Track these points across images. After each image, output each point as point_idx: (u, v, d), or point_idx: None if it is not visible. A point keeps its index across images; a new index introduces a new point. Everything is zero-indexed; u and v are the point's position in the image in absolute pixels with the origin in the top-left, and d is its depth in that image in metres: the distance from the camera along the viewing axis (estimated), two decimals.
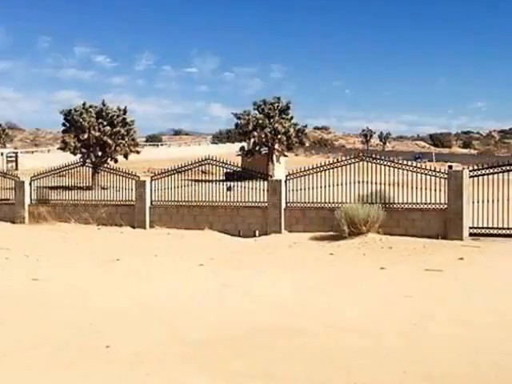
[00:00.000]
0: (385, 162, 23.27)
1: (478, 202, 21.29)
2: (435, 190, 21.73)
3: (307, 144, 63.43)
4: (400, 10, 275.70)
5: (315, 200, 23.76)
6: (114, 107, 49.07)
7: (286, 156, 55.60)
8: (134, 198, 27.48)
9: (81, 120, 46.39)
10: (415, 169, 22.99)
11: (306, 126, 57.08)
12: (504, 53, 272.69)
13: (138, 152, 50.09)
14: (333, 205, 22.84)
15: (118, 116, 48.16)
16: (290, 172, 25.18)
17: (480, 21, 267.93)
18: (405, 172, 22.93)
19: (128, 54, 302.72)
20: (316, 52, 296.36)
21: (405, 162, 23.94)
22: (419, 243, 20.12)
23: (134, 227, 26.92)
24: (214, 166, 28.15)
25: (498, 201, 20.95)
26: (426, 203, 21.89)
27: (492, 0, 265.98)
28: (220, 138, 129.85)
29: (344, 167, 23.78)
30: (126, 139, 48.23)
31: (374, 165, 23.29)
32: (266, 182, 25.35)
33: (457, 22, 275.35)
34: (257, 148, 54.22)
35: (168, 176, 27.49)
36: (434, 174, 22.30)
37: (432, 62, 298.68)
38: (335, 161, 24.87)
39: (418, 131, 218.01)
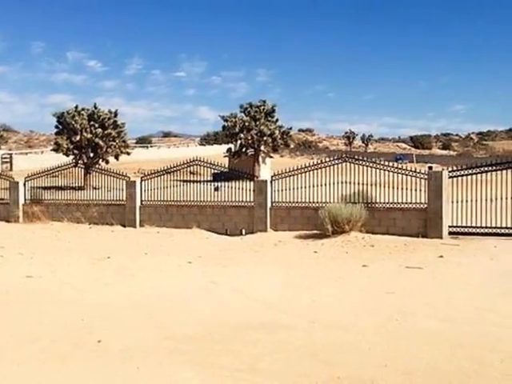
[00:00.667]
0: (367, 163, 23.29)
1: (457, 202, 21.37)
2: (416, 190, 21.77)
3: (292, 146, 63.98)
4: (381, 17, 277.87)
5: (300, 200, 23.79)
6: (105, 110, 49.76)
7: (271, 157, 55.88)
8: (124, 198, 27.49)
9: (73, 122, 46.79)
10: (396, 169, 23.03)
11: (290, 129, 57.43)
12: (482, 58, 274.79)
13: (128, 153, 50.52)
14: (317, 204, 22.87)
15: (109, 119, 48.60)
16: (276, 173, 25.19)
17: (459, 26, 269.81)
18: (386, 173, 22.96)
19: (118, 58, 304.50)
20: (300, 57, 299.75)
21: (386, 163, 23.96)
22: (400, 241, 20.16)
23: (124, 226, 26.89)
24: (201, 167, 28.08)
25: (476, 200, 21.03)
26: (406, 203, 21.93)
27: (471, 6, 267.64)
28: (208, 139, 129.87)
29: (327, 168, 23.80)
30: (117, 141, 48.68)
31: (356, 166, 23.29)
32: (252, 183, 25.35)
33: (436, 28, 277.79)
34: (243, 149, 54.52)
35: (157, 176, 27.50)
36: (414, 174, 22.36)
37: (412, 66, 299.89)
38: (319, 162, 24.84)
39: (399, 133, 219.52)
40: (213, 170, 29.50)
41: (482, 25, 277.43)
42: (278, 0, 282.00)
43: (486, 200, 20.80)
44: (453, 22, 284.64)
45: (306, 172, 24.10)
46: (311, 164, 24.70)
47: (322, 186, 23.26)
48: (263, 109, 55.34)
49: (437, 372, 7.91)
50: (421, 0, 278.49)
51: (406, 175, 22.52)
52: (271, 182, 24.68)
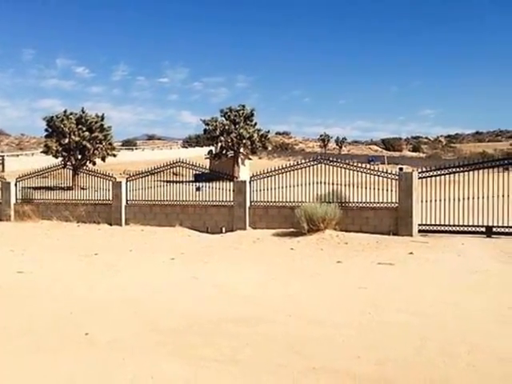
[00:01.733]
0: (341, 165, 23.32)
1: (426, 201, 21.45)
2: (387, 190, 21.84)
3: (270, 148, 64.09)
4: (354, 25, 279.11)
5: (277, 199, 23.80)
6: (92, 114, 49.93)
7: (250, 159, 55.92)
8: (110, 198, 27.46)
9: (62, 126, 47.00)
10: (369, 171, 23.07)
11: (268, 132, 57.56)
12: (450, 65, 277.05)
13: (114, 155, 50.78)
14: (293, 204, 22.87)
15: (96, 122, 48.81)
16: (254, 173, 25.17)
17: (429, 35, 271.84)
18: (359, 173, 23.00)
19: (105, 65, 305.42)
20: (278, 63, 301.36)
21: (359, 165, 24.03)
22: (372, 239, 20.21)
23: (110, 224, 26.82)
24: (184, 168, 28.07)
25: (444, 200, 21.14)
26: (378, 202, 21.99)
27: (440, 16, 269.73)
28: (190, 142, 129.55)
29: (303, 169, 23.82)
30: (104, 143, 48.89)
31: (330, 167, 23.33)
32: (231, 183, 25.33)
33: (407, 36, 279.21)
34: (223, 152, 54.71)
35: (142, 177, 27.43)
36: (385, 175, 22.41)
37: (384, 72, 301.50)
38: (295, 163, 24.86)
39: (371, 136, 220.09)
40: (194, 171, 29.51)
41: (450, 34, 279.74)
42: (256, 10, 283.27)
43: (454, 199, 20.91)
44: (423, 31, 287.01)
45: (283, 173, 24.11)
46: (288, 165, 24.70)
47: (298, 186, 23.28)
48: (242, 113, 55.52)
49: (407, 363, 7.95)
50: (393, 10, 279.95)
51: (378, 176, 22.57)
52: (250, 183, 24.69)
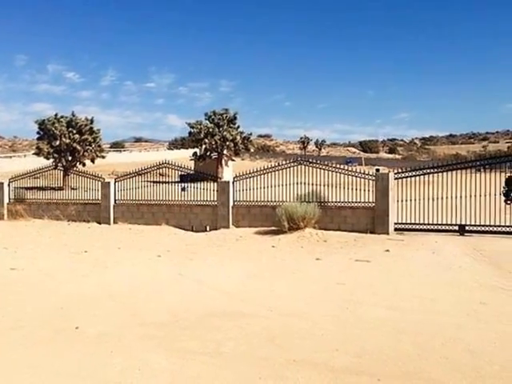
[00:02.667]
0: (320, 166, 23.36)
1: (402, 201, 21.55)
2: (364, 190, 21.90)
3: (252, 150, 64.00)
4: (333, 32, 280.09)
5: (259, 199, 23.80)
6: (82, 118, 50.12)
7: (233, 160, 55.95)
8: (99, 198, 27.33)
9: (53, 129, 47.03)
10: (347, 171, 23.11)
11: (250, 134, 57.61)
12: (425, 70, 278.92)
13: (103, 157, 50.96)
14: (274, 203, 22.87)
15: (85, 125, 48.87)
16: (237, 174, 25.16)
17: (404, 42, 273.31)
18: (338, 174, 23.05)
19: (94, 71, 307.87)
20: (259, 69, 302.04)
21: (338, 166, 24.10)
22: (350, 237, 20.27)
23: (99, 223, 26.70)
24: (170, 170, 28.13)
25: (419, 200, 21.24)
26: (356, 202, 22.05)
27: (414, 23, 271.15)
28: (175, 144, 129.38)
29: (284, 170, 23.82)
30: (93, 145, 48.97)
31: (310, 168, 23.37)
32: (215, 183, 25.30)
33: (383, 43, 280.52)
34: (208, 153, 54.71)
35: (130, 178, 27.36)
36: (363, 176, 22.48)
37: (361, 77, 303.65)
38: (276, 164, 24.88)
39: (349, 138, 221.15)
40: (180, 172, 29.60)
41: (425, 40, 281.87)
42: (238, 18, 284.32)
43: (429, 199, 21.02)
44: (399, 38, 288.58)
45: (264, 174, 24.10)
46: (269, 166, 24.72)
47: (279, 186, 23.28)
48: (226, 116, 55.55)
49: (383, 355, 8.00)
50: (370, 18, 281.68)
51: (356, 177, 22.62)
52: (233, 183, 24.67)
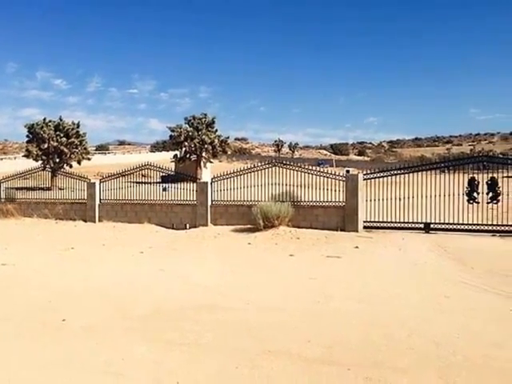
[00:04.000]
0: (293, 167, 23.40)
1: (370, 200, 21.62)
2: (335, 190, 21.96)
3: (229, 152, 64.02)
4: (306, 42, 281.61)
5: (236, 198, 23.80)
6: (69, 122, 50.41)
7: (211, 162, 55.87)
8: (85, 197, 27.27)
9: (42, 132, 47.37)
10: (318, 173, 23.16)
11: (228, 138, 57.79)
12: (391, 76, 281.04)
13: (89, 159, 51.29)
14: (250, 203, 22.88)
15: (72, 129, 49.21)
16: (215, 175, 25.17)
17: (372, 50, 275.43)
18: (310, 175, 23.12)
19: (81, 77, 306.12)
20: (236, 76, 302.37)
21: (310, 167, 24.13)
22: (322, 234, 20.30)
23: (85, 221, 26.64)
24: (152, 171, 28.03)
25: (387, 199, 21.32)
26: (327, 201, 22.09)
27: (381, 33, 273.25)
28: (157, 147, 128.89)
29: (260, 171, 23.83)
30: (79, 148, 49.29)
31: (284, 169, 23.41)
32: (195, 184, 25.29)
33: (353, 51, 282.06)
34: (187, 155, 54.74)
35: (114, 179, 27.28)
36: (334, 177, 22.54)
37: (332, 84, 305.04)
38: (252, 166, 24.88)
39: (321, 141, 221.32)
40: (161, 173, 29.51)
41: (392, 49, 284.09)
42: (217, 29, 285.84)
43: (396, 199, 21.11)
44: (367, 47, 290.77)
45: (241, 175, 24.11)
46: (246, 168, 24.72)
47: (254, 186, 23.28)
48: (204, 121, 55.66)
49: (353, 346, 8.05)
50: (341, 29, 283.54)
51: (327, 177, 22.67)
52: (211, 184, 24.67)
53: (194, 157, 54.92)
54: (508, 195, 20.10)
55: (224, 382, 6.92)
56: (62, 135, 47.82)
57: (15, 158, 74.16)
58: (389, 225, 21.31)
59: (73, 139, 48.38)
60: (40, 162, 45.60)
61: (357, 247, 17.74)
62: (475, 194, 20.80)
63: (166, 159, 57.06)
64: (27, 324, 9.32)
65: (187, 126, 55.72)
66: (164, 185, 30.05)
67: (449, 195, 20.34)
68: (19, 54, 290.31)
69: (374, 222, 21.61)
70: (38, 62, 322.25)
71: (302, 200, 22.70)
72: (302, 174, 23.12)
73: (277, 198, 22.31)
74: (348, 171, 22.90)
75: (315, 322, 9.35)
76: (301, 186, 22.76)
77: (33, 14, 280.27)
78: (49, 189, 31.33)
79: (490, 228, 20.19)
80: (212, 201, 24.42)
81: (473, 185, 20.83)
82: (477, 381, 6.86)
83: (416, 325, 9.10)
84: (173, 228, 24.35)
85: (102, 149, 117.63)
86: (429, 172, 21.81)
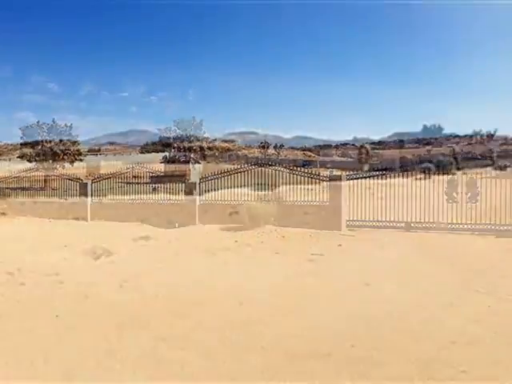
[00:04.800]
0: (279, 168, 23.47)
1: (353, 200, 21.71)
2: (319, 190, 22.04)
3: (217, 154, 64.08)
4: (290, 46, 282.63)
5: (223, 198, 23.86)
6: (62, 124, 51.02)
7: (199, 163, 55.96)
8: (78, 197, 27.32)
9: (35, 135, 47.39)
10: (303, 173, 23.24)
11: (215, 140, 57.85)
12: (371, 81, 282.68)
13: (81, 160, 51.51)
14: (237, 202, 22.96)
15: (65, 131, 48.99)
16: (204, 176, 25.22)
17: (350, 55, 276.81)
18: (295, 175, 23.17)
19: (73, 81, 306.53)
20: (222, 81, 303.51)
21: (295, 168, 24.20)
22: (306, 233, 20.35)
23: (78, 220, 26.67)
24: (142, 171, 28.15)
25: (369, 199, 21.42)
26: (312, 201, 22.17)
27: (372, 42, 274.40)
28: (147, 148, 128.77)
29: (246, 172, 23.90)
30: (72, 150, 49.17)
31: (270, 170, 23.47)
32: (184, 184, 25.37)
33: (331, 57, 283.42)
34: (177, 157, 54.79)
35: (105, 179, 27.48)
36: (318, 177, 22.62)
37: (316, 88, 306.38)
38: (239, 167, 24.94)
39: (306, 143, 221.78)
40: (151, 174, 29.55)
41: (376, 52, 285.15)
42: (202, 37, 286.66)
43: (378, 198, 21.22)
44: (345, 53, 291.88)
45: (228, 175, 24.18)
46: (233, 169, 24.78)
47: (241, 186, 23.37)
48: (193, 123, 55.99)
49: (339, 340, 8.10)
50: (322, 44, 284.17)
51: (311, 178, 22.75)
52: (199, 184, 24.71)
53: (183, 158, 55.12)
54: (486, 195, 20.24)
55: None
56: (55, 137, 48.61)
57: (10, 160, 73.97)
58: (371, 223, 21.42)
59: (66, 141, 48.87)
60: (34, 163, 45.87)
61: (340, 245, 17.79)
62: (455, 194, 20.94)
63: (156, 160, 57.21)
64: (19, 318, 9.28)
65: (176, 128, 56.11)
66: (154, 185, 30.08)
67: (429, 195, 20.49)
68: (14, 59, 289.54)
69: (357, 220, 21.70)
70: (32, 67, 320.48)
71: (287, 199, 22.76)
72: (288, 174, 23.18)
73: (263, 198, 22.37)
74: (332, 172, 22.91)
75: (301, 317, 9.39)
76: (286, 186, 22.83)
77: (26, 20, 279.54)
78: (42, 189, 31.38)
79: (469, 227, 20.31)
80: (200, 200, 24.44)
81: (452, 185, 20.98)
82: None
83: (396, 320, 9.13)
84: (163, 227, 24.35)
85: (94, 150, 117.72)
86: (410, 173, 21.99)
